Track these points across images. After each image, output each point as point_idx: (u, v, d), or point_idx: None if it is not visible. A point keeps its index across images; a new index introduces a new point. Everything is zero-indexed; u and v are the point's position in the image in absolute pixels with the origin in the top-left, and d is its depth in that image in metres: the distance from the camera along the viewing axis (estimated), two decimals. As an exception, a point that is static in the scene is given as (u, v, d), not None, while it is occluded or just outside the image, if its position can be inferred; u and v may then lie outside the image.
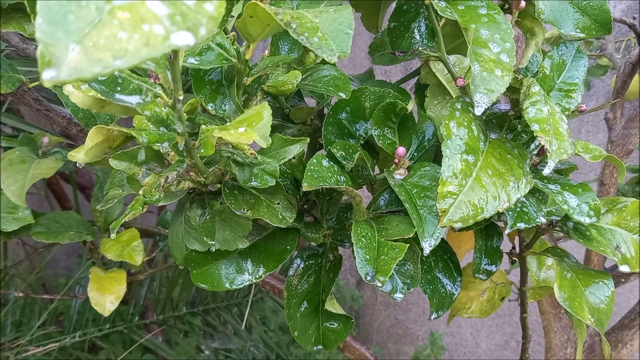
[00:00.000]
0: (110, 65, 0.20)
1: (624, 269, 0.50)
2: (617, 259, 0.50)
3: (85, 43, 0.19)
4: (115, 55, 0.20)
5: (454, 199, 0.42)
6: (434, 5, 0.46)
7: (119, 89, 0.36)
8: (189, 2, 0.22)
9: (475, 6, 0.46)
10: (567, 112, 0.52)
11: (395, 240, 0.47)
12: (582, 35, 0.53)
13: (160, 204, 0.46)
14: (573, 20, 0.53)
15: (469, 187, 0.43)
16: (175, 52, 0.33)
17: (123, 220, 0.44)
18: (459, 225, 0.42)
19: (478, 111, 0.43)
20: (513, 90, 0.53)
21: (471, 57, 0.44)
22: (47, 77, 0.19)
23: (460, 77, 0.50)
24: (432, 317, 0.56)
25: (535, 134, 0.43)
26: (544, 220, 0.50)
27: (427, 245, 0.45)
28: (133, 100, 0.36)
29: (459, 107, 0.45)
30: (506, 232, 0.51)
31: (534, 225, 0.49)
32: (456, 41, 0.56)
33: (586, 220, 0.49)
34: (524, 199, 0.50)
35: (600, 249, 0.51)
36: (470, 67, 0.48)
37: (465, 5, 0.46)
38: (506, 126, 0.52)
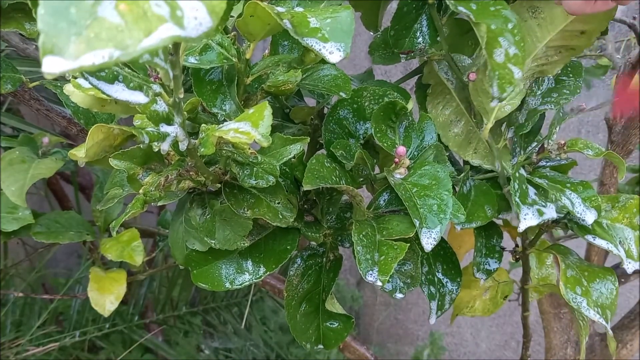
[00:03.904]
0: (111, 57, 0.20)
1: (628, 265, 0.50)
2: (621, 255, 0.50)
3: (87, 34, 0.19)
4: (116, 47, 0.19)
5: None
6: (446, 1, 0.46)
7: (120, 86, 0.36)
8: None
9: (487, 3, 0.46)
10: (559, 107, 0.52)
11: (396, 240, 0.46)
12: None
13: (160, 204, 0.46)
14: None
15: None
16: (175, 48, 0.33)
17: (123, 220, 0.44)
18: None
19: (494, 104, 0.43)
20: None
21: (486, 51, 0.44)
22: (48, 66, 0.19)
23: (472, 72, 0.50)
24: (431, 319, 0.56)
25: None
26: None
27: (428, 244, 0.44)
28: (135, 97, 0.36)
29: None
30: (520, 228, 0.50)
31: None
32: (456, 40, 0.56)
33: (589, 218, 0.49)
34: (534, 196, 0.50)
35: (603, 245, 0.51)
36: (474, 64, 0.48)
37: (476, 4, 0.45)
38: (507, 122, 0.52)
